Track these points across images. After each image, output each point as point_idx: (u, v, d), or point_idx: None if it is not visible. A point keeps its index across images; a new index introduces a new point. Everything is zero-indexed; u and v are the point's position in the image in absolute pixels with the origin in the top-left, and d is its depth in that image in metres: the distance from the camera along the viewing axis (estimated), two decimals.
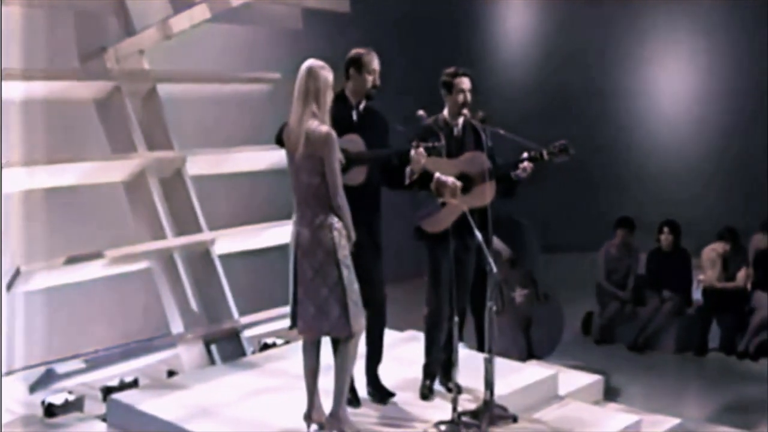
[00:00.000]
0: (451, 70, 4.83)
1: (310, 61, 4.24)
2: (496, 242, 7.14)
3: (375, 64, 4.63)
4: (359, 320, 4.25)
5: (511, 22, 11.00)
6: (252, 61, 7.94)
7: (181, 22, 6.14)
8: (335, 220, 4.18)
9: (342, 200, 4.18)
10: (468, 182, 4.74)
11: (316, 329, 4.27)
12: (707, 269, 7.96)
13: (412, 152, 4.43)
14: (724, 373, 7.26)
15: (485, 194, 4.70)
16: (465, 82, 4.79)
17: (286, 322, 6.14)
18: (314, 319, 4.24)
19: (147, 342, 6.20)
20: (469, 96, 4.79)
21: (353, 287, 4.22)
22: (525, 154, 4.79)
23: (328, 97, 4.22)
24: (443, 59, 5.20)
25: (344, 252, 4.20)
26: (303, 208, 4.25)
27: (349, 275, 4.20)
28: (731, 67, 9.98)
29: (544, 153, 4.80)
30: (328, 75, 4.22)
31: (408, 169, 4.51)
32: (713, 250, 7.95)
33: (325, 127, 4.15)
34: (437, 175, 4.60)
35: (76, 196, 6.43)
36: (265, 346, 6.22)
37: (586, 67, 10.45)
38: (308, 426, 4.40)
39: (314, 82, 4.17)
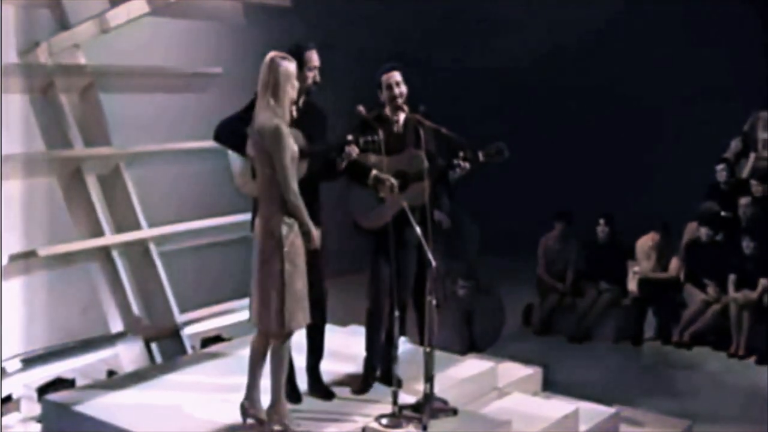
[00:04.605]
0: (383, 67, 4.83)
1: (272, 53, 4.20)
2: (436, 213, 7.13)
3: (315, 60, 4.58)
4: (296, 320, 4.21)
5: (456, 16, 11.03)
6: (194, 55, 7.86)
7: (119, 16, 6.05)
8: (286, 215, 4.14)
9: (293, 196, 4.12)
10: (405, 180, 4.75)
11: (260, 322, 4.23)
12: (641, 260, 8.14)
13: (347, 148, 4.44)
14: (660, 361, 7.44)
15: (423, 193, 4.69)
16: (394, 76, 4.77)
17: (228, 319, 6.23)
18: (258, 312, 4.20)
19: (86, 341, 6.11)
20: (401, 89, 4.76)
21: (295, 286, 4.17)
22: (461, 155, 4.81)
23: (288, 89, 4.16)
24: (386, 53, 5.20)
25: (292, 248, 4.16)
26: (259, 201, 4.23)
27: (292, 272, 4.16)
28: (670, 56, 10.11)
29: (480, 155, 4.82)
30: (288, 66, 4.17)
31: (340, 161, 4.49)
32: (646, 242, 8.14)
33: (275, 121, 4.10)
34: (374, 172, 4.62)
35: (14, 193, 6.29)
36: (207, 344, 6.19)
37: (530, 61, 10.55)
38: (243, 418, 4.39)
39: (273, 74, 4.13)
